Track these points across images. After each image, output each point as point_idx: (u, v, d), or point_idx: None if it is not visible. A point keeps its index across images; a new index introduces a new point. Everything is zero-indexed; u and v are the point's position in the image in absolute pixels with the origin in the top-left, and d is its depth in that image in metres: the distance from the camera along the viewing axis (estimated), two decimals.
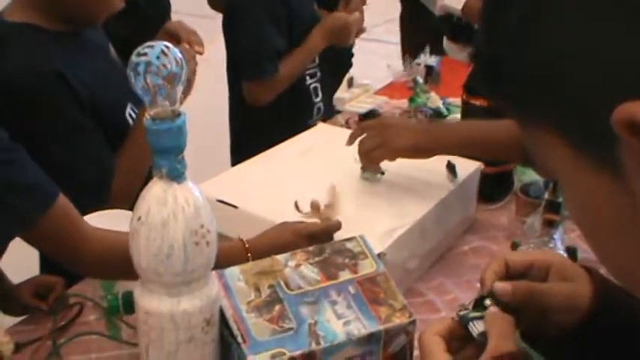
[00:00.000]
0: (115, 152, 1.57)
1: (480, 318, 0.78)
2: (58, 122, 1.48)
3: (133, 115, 1.63)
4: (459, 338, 0.79)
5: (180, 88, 0.89)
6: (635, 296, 0.76)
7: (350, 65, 2.49)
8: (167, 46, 0.87)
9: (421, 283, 1.42)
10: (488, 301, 0.78)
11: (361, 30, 2.34)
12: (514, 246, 1.46)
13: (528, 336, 0.82)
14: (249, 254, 1.25)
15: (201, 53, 1.54)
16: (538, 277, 0.82)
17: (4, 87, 1.43)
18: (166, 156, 0.91)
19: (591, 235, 0.53)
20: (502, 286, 0.79)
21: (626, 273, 0.53)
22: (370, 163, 1.51)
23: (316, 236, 1.29)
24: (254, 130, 2.16)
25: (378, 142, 1.47)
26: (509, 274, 0.82)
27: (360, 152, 1.50)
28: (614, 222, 0.49)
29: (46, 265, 1.63)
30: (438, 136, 1.49)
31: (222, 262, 1.13)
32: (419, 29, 3.01)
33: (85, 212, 1.29)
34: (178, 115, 0.91)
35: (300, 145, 1.68)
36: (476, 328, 0.78)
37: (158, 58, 0.86)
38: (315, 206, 1.40)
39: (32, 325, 1.31)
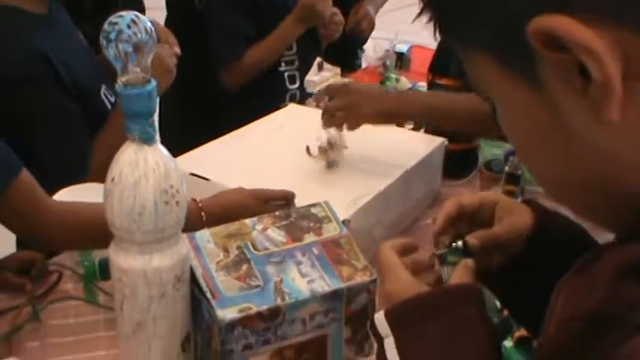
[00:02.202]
0: (93, 131, 1.62)
1: (454, 264, 0.83)
2: (43, 104, 1.53)
3: (109, 96, 1.68)
4: (414, 259, 0.85)
5: (150, 56, 0.95)
6: (570, 219, 0.84)
7: (356, 63, 2.55)
8: (137, 16, 0.93)
9: None
10: (459, 243, 0.84)
11: (370, 24, 2.41)
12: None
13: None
14: (202, 213, 1.30)
15: (178, 53, 1.65)
16: (486, 214, 0.87)
17: None
18: (138, 120, 0.98)
19: (524, 154, 0.60)
20: (473, 243, 0.84)
21: (556, 186, 0.60)
22: (332, 122, 1.55)
23: (272, 200, 1.36)
24: (223, 115, 2.23)
25: (343, 104, 1.53)
26: (463, 214, 0.87)
27: (324, 111, 1.55)
28: (541, 135, 0.55)
29: (23, 241, 1.68)
30: (403, 102, 1.55)
31: None
32: None
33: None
34: (149, 81, 0.97)
35: (271, 123, 1.75)
36: (447, 273, 0.84)
37: (129, 27, 0.92)
38: (322, 149, 1.51)
39: (12, 292, 1.36)
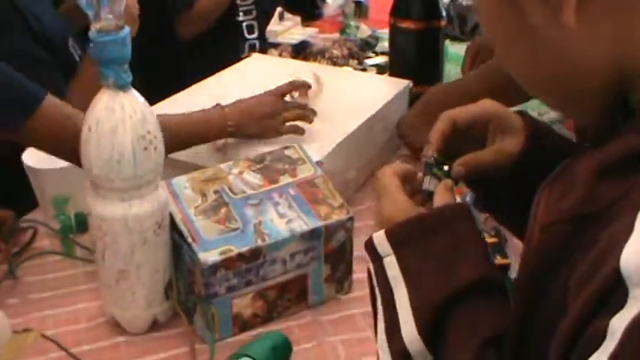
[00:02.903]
0: (65, 82, 1.61)
1: (437, 177, 0.84)
2: (15, 52, 1.50)
3: (77, 49, 1.67)
4: (411, 183, 0.84)
5: (123, 3, 0.94)
6: (563, 138, 0.87)
7: (316, 13, 2.55)
8: None
9: (362, 192, 1.50)
10: (446, 167, 0.84)
11: None
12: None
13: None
14: (228, 122, 1.36)
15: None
16: (480, 130, 0.87)
17: None
18: (112, 66, 0.98)
19: (500, 51, 0.69)
20: (458, 170, 0.84)
21: (527, 82, 0.69)
22: None
23: (286, 92, 1.46)
24: (184, 66, 2.21)
25: None
26: (456, 131, 0.86)
27: None
28: (510, 35, 0.65)
29: None
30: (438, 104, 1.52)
31: (200, 134, 1.32)
32: None
33: None
34: (122, 27, 0.97)
35: (236, 73, 1.74)
36: (429, 183, 0.84)
37: None
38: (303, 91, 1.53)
39: None
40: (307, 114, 1.44)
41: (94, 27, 0.96)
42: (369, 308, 1.19)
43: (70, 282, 1.28)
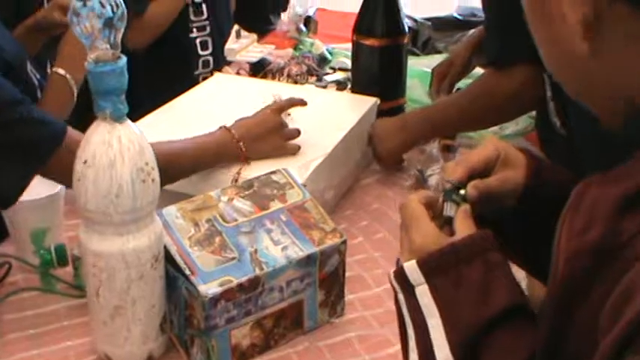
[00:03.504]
0: None
1: (455, 203, 0.85)
2: None
3: (35, 72, 1.62)
4: (433, 209, 0.85)
5: (120, 32, 0.91)
6: (565, 171, 0.89)
7: (269, 29, 2.53)
8: None
9: (336, 213, 1.49)
10: (462, 192, 0.85)
11: None
12: (421, 173, 1.57)
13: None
14: (240, 143, 1.37)
15: None
16: (491, 168, 0.89)
17: None
18: (110, 98, 0.95)
19: (532, 31, 0.70)
20: (471, 192, 0.85)
21: (550, 62, 0.71)
22: None
23: (284, 109, 1.48)
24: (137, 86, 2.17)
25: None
26: (473, 172, 0.88)
27: None
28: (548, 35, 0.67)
29: None
30: (415, 129, 1.62)
31: (213, 158, 1.34)
32: None
33: None
34: (119, 57, 0.94)
35: (200, 94, 1.71)
36: (449, 209, 0.84)
37: (100, 2, 0.88)
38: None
39: None
40: (295, 132, 1.46)
41: (90, 57, 0.93)
42: (364, 331, 1.20)
43: (52, 319, 1.23)
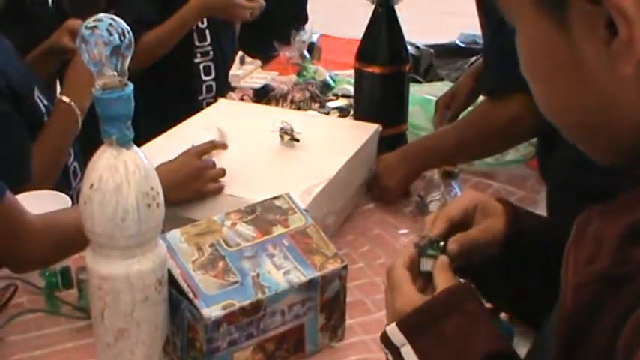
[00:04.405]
0: (30, 135, 1.58)
1: (432, 257, 0.88)
2: None
3: (42, 98, 1.64)
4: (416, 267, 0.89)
5: (128, 59, 0.94)
6: (541, 217, 0.92)
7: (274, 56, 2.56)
8: (114, 19, 0.92)
9: (337, 238, 1.51)
10: (442, 243, 0.89)
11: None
12: (421, 200, 1.59)
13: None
14: None
15: None
16: (472, 218, 0.93)
17: None
18: (116, 124, 0.96)
19: (536, 79, 0.67)
20: (452, 248, 0.89)
21: (559, 111, 0.67)
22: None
23: (204, 153, 1.46)
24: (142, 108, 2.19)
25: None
26: (453, 224, 0.92)
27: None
28: (555, 66, 0.63)
29: None
30: (416, 161, 1.67)
31: None
32: None
33: None
34: (126, 84, 0.96)
35: (204, 120, 1.74)
36: (425, 264, 0.88)
37: (108, 30, 0.91)
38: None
39: None
40: (220, 172, 1.45)
41: (98, 84, 0.95)
42: (365, 355, 1.22)
43: (57, 340, 1.25)
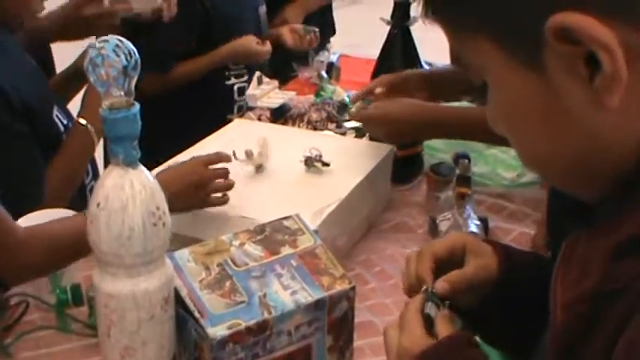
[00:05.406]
0: (46, 153, 1.60)
1: (436, 305, 0.89)
2: None
3: (61, 118, 1.66)
4: None
5: (134, 79, 0.95)
6: (530, 252, 0.94)
7: (292, 76, 2.61)
8: (120, 40, 0.93)
9: (349, 258, 1.51)
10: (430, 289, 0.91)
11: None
12: (432, 220, 1.58)
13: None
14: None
15: None
16: (458, 257, 0.95)
17: None
18: (122, 143, 0.97)
19: (515, 134, 0.66)
20: (442, 286, 0.90)
21: (544, 164, 0.66)
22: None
23: (210, 163, 1.44)
24: (175, 129, 2.23)
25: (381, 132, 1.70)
26: (438, 262, 0.94)
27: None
28: (535, 116, 0.62)
29: None
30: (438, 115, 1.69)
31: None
32: None
33: (18, 213, 1.33)
34: (132, 104, 0.97)
35: (221, 139, 1.75)
36: (429, 309, 0.89)
37: (114, 51, 0.92)
38: (248, 153, 1.55)
39: None
40: (231, 183, 1.45)
41: (105, 104, 0.96)
42: None
43: (67, 357, 1.26)
